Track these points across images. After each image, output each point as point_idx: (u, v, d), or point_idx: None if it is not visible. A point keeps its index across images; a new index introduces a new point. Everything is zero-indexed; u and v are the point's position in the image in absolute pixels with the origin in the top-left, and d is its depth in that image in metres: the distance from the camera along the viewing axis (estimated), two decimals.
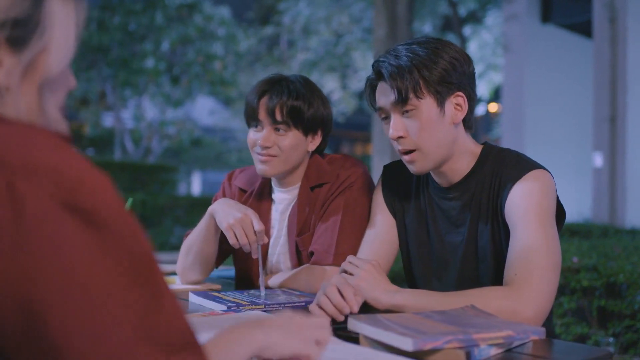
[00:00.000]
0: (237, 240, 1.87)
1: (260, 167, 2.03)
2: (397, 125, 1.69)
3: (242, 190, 2.22)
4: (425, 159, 1.70)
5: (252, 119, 2.03)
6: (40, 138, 0.77)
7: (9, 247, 0.70)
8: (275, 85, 2.00)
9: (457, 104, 1.69)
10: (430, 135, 1.68)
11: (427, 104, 1.66)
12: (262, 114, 1.99)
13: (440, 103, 1.67)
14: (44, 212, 0.71)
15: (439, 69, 1.65)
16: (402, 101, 1.66)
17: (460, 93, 1.68)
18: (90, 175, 0.76)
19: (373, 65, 1.74)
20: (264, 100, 1.99)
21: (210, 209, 1.99)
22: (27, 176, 0.72)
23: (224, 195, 2.24)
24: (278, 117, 1.97)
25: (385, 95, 1.70)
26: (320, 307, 1.51)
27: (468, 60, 1.71)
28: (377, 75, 1.73)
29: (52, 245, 0.71)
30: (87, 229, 0.73)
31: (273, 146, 1.99)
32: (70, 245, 0.72)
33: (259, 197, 2.17)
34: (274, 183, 2.16)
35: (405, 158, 1.73)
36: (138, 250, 0.77)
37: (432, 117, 1.67)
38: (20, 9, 0.84)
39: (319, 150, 2.13)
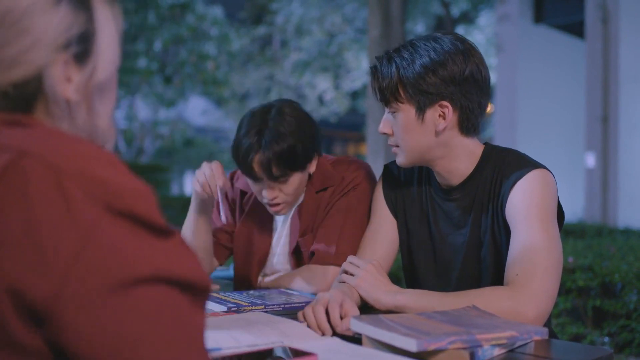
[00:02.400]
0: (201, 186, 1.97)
1: (272, 213, 2.05)
2: (384, 122, 1.78)
3: (244, 192, 2.22)
4: (404, 156, 1.76)
5: (249, 176, 1.97)
6: (89, 149, 0.79)
7: (66, 248, 0.72)
8: (262, 136, 1.91)
9: (441, 113, 1.69)
10: (408, 138, 1.72)
11: (406, 109, 1.70)
12: (259, 172, 1.93)
13: (420, 111, 1.69)
14: (97, 217, 0.73)
15: (423, 83, 1.66)
16: (384, 102, 1.73)
17: (445, 103, 1.67)
18: (135, 184, 0.78)
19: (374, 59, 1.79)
20: (256, 159, 1.91)
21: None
22: (77, 181, 0.74)
23: (226, 196, 2.25)
24: (275, 172, 1.92)
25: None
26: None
27: (471, 65, 1.67)
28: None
29: (109, 246, 0.73)
30: (139, 231, 0.76)
31: (278, 195, 1.98)
32: (128, 246, 0.75)
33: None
34: None
35: (392, 149, 1.81)
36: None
37: (409, 123, 1.70)
38: (80, 23, 0.87)
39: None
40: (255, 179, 1.95)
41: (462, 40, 1.71)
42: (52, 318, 0.72)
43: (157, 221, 0.78)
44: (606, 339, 3.75)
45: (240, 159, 1.93)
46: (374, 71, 1.74)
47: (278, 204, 2.00)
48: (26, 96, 0.83)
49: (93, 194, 0.74)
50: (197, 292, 0.80)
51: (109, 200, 0.75)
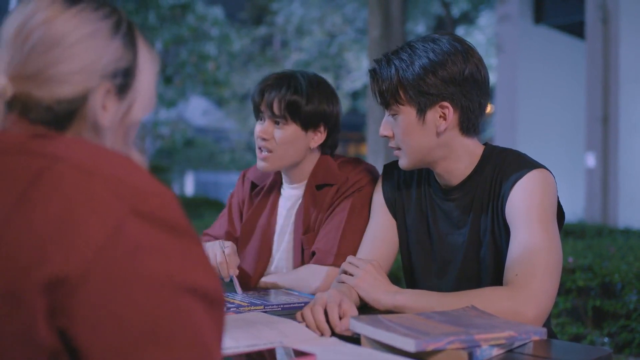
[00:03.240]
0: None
1: (259, 164, 2.08)
2: (384, 125, 1.78)
3: (254, 185, 2.24)
4: (406, 158, 1.77)
5: (255, 110, 2.07)
6: (115, 156, 0.86)
7: (94, 240, 0.76)
8: (278, 80, 2.04)
9: (442, 114, 1.69)
10: (410, 140, 1.73)
11: (406, 111, 1.70)
12: (263, 106, 2.03)
13: (421, 112, 1.69)
14: (123, 217, 0.78)
15: (424, 84, 1.67)
16: (384, 104, 1.74)
17: (445, 103, 1.68)
18: (160, 189, 0.83)
19: (371, 63, 1.80)
20: (266, 94, 2.02)
21: None
22: (105, 183, 0.79)
23: (237, 191, 2.29)
24: (276, 110, 2.01)
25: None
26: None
27: (470, 65, 1.68)
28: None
29: (132, 246, 0.77)
30: (162, 234, 0.80)
31: (271, 139, 2.03)
32: (150, 248, 0.78)
33: (269, 192, 2.20)
34: (283, 179, 2.18)
35: (394, 152, 1.81)
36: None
37: (410, 125, 1.71)
38: (127, 59, 0.95)
39: (330, 150, 2.14)
40: (258, 112, 2.06)
41: (461, 40, 1.72)
42: (69, 304, 0.74)
43: (181, 223, 0.82)
44: (606, 339, 3.75)
45: (255, 90, 2.06)
46: (373, 74, 1.75)
47: (268, 151, 2.04)
48: (67, 114, 0.90)
49: (120, 196, 0.79)
50: (212, 301, 0.82)
51: (135, 203, 0.79)
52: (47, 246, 0.75)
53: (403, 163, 1.79)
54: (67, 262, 0.74)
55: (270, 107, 2.01)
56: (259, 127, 2.06)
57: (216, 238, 2.22)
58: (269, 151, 2.04)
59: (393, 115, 1.74)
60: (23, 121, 0.89)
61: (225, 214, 2.29)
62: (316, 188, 2.09)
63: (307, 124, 2.04)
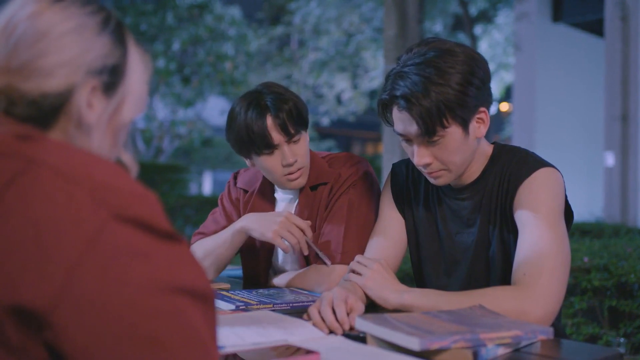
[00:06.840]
0: (288, 242, 1.91)
1: (294, 184, 2.04)
2: (422, 153, 1.66)
3: (244, 191, 2.23)
4: (450, 175, 1.71)
5: (265, 147, 1.98)
6: (95, 159, 0.84)
7: (69, 251, 0.74)
8: (266, 104, 1.97)
9: (479, 119, 1.67)
10: (458, 157, 1.67)
11: (452, 131, 1.62)
12: (277, 137, 1.97)
13: (465, 127, 1.64)
14: (103, 222, 0.76)
15: (467, 99, 1.59)
16: (427, 134, 1.61)
17: (482, 109, 1.66)
18: (141, 191, 0.82)
19: (388, 90, 1.64)
20: (270, 123, 1.96)
21: (240, 225, 2.00)
22: (84, 187, 0.78)
23: (229, 195, 2.27)
24: (291, 129, 1.97)
25: (405, 124, 1.64)
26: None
27: (483, 63, 1.65)
28: (392, 101, 1.65)
29: (113, 251, 0.76)
30: (144, 237, 0.79)
31: (297, 160, 2.00)
32: (132, 252, 0.77)
33: (261, 196, 2.18)
34: (275, 185, 2.17)
35: (429, 175, 1.72)
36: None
37: (458, 142, 1.64)
38: (115, 56, 0.94)
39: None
40: (272, 147, 1.97)
41: (467, 46, 1.70)
42: (52, 321, 0.73)
43: (164, 226, 0.80)
44: (622, 340, 3.72)
45: (254, 128, 1.95)
46: (411, 108, 1.59)
47: (298, 170, 2.02)
48: (52, 109, 0.88)
49: (100, 200, 0.77)
50: (201, 299, 0.81)
51: (116, 206, 0.77)
52: (14, 271, 0.73)
53: (446, 180, 1.72)
54: (36, 293, 0.73)
55: (285, 130, 1.97)
56: (275, 159, 2.02)
57: (210, 235, 2.20)
58: (300, 168, 2.04)
59: (435, 140, 1.63)
60: (8, 120, 0.87)
61: (219, 211, 2.27)
62: (310, 189, 2.09)
63: (307, 124, 2.06)
